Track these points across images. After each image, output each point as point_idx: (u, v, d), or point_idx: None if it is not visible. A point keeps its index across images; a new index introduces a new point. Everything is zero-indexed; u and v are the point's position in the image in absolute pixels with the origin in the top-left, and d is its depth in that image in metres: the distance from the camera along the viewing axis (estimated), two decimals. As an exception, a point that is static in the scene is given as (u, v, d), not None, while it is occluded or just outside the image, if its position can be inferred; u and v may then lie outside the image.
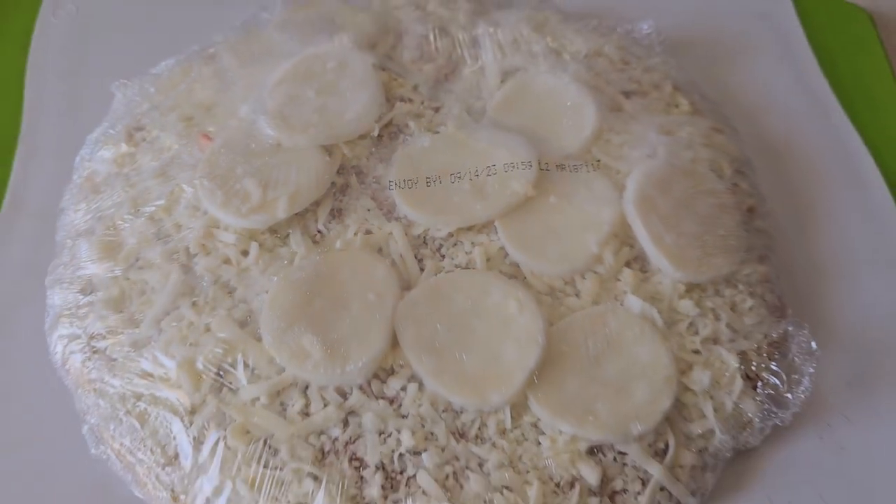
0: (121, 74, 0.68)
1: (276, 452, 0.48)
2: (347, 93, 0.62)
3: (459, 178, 0.58)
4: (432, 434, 0.49)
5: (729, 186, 0.60)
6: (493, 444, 0.49)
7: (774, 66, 0.77)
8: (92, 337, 0.53)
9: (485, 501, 0.47)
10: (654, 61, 0.69)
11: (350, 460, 0.48)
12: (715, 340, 0.53)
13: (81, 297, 0.55)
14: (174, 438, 0.50)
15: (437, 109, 0.64)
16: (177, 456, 0.49)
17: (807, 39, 0.79)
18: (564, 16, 0.72)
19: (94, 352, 0.53)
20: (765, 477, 0.53)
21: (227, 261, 0.55)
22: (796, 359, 0.53)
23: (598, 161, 0.60)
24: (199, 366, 0.51)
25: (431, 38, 0.68)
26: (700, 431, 0.51)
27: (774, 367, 0.53)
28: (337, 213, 0.58)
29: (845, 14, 0.82)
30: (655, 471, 0.49)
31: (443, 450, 0.49)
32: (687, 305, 0.54)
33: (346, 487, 0.48)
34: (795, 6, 0.82)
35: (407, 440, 0.49)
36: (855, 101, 0.74)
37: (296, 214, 0.56)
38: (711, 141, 0.63)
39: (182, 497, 0.49)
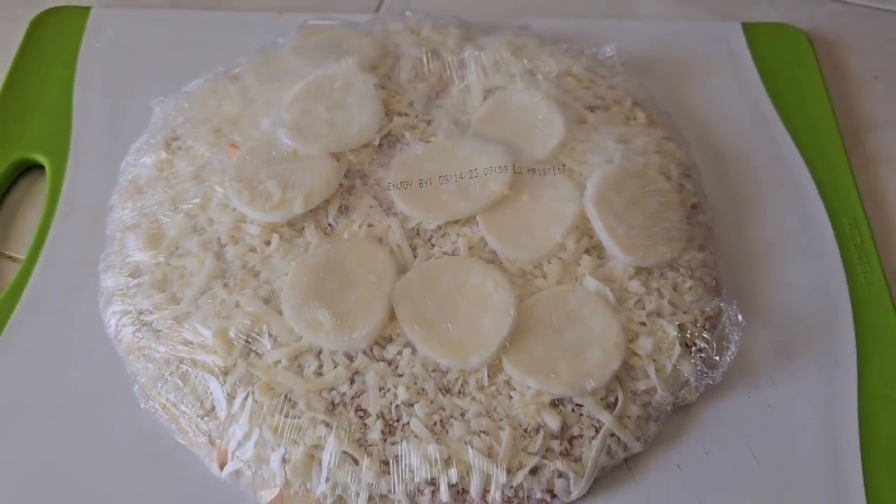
0: (155, 92, 0.73)
1: (294, 405, 0.54)
2: (353, 108, 0.67)
3: (447, 180, 0.64)
4: (423, 389, 0.56)
5: (675, 187, 0.67)
6: (473, 398, 0.55)
7: (723, 83, 0.81)
8: (140, 312, 0.59)
9: (466, 443, 0.54)
10: (616, 80, 0.75)
11: (355, 410, 0.55)
12: (658, 314, 0.60)
13: (131, 279, 0.61)
14: (211, 394, 0.56)
15: (428, 122, 0.70)
16: (213, 408, 0.56)
17: (752, 58, 0.84)
18: (540, 40, 0.78)
19: (143, 325, 0.59)
20: (700, 428, 0.59)
21: (252, 249, 0.61)
22: (726, 329, 0.60)
23: (564, 165, 0.66)
24: (231, 335, 0.57)
25: (425, 60, 0.74)
26: (644, 388, 0.58)
27: (707, 336, 0.60)
28: (344, 210, 0.64)
29: (787, 36, 0.87)
30: (607, 420, 0.56)
31: (431, 402, 0.55)
32: (635, 285, 0.61)
33: (352, 432, 0.54)
34: (744, 29, 0.87)
35: (402, 394, 0.55)
36: (792, 113, 0.79)
37: (310, 211, 0.62)
38: (662, 148, 0.70)
39: (218, 441, 0.55)
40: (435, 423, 0.55)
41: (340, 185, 0.65)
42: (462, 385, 0.56)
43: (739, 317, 0.60)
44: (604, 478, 0.57)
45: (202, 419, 0.56)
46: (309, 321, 0.57)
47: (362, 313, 0.57)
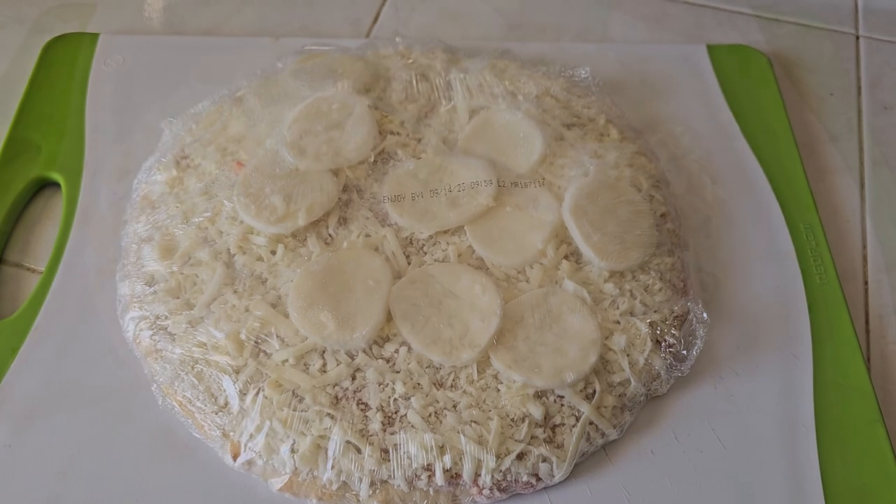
0: (162, 112, 0.79)
1: (301, 399, 0.58)
2: (349, 128, 0.72)
3: (437, 193, 0.69)
4: (418, 384, 0.60)
5: (645, 197, 0.72)
6: (464, 391, 0.60)
7: (689, 101, 0.85)
8: (157, 318, 0.63)
9: (458, 432, 0.58)
10: (591, 100, 0.80)
11: (357, 404, 0.59)
12: (631, 313, 0.65)
13: (147, 288, 0.65)
14: (224, 391, 0.60)
15: (419, 140, 0.74)
16: (226, 404, 0.59)
17: (716, 77, 0.88)
18: (520, 63, 0.83)
19: (160, 329, 0.63)
20: (671, 417, 0.63)
21: (259, 258, 0.65)
22: (693, 326, 0.66)
23: (544, 179, 0.71)
24: (242, 337, 0.61)
25: (414, 83, 0.79)
26: (619, 380, 0.62)
27: (675, 333, 0.65)
28: (343, 221, 0.68)
29: (748, 56, 0.91)
30: (586, 409, 0.60)
31: (426, 395, 0.59)
32: (610, 287, 0.66)
33: (354, 423, 0.58)
34: (708, 51, 0.92)
35: (399, 389, 0.59)
36: (752, 128, 0.83)
37: (312, 222, 0.66)
38: (634, 162, 0.75)
39: (231, 434, 0.59)
40: (430, 415, 0.60)
41: (339, 198, 0.70)
42: (454, 380, 0.61)
43: (705, 315, 0.66)
44: (584, 463, 0.61)
45: (217, 414, 0.60)
46: (313, 323, 0.61)
47: (361, 315, 0.61)
